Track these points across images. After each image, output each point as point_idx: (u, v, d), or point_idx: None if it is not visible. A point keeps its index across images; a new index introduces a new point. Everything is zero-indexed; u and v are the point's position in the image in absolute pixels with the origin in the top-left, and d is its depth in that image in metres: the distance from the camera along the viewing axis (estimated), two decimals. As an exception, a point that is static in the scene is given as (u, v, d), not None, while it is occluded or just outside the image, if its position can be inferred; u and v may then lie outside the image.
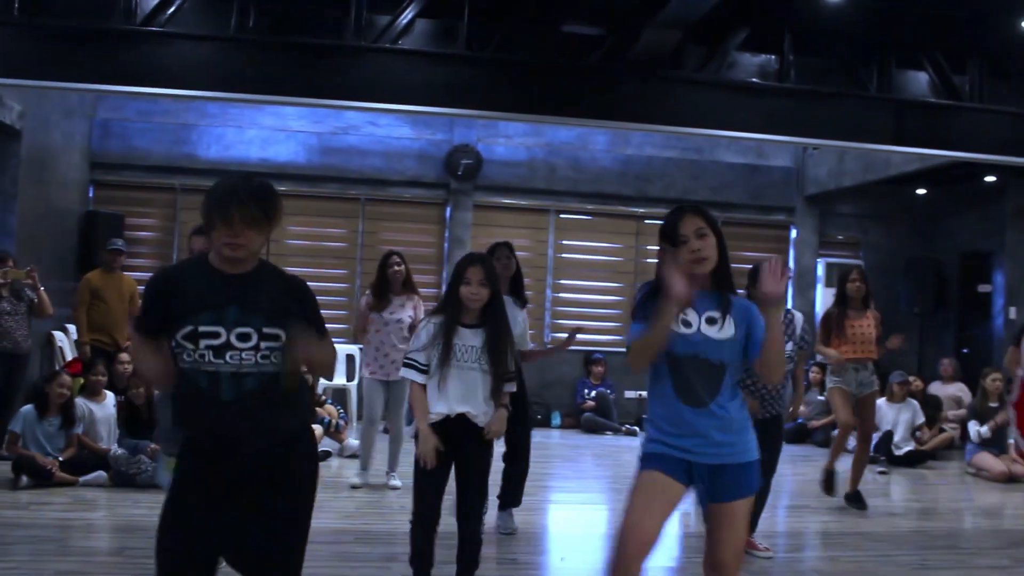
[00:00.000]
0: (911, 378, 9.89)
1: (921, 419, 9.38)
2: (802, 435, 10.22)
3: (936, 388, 10.44)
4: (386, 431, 7.54)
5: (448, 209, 11.48)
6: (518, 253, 5.88)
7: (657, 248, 3.33)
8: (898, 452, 9.07)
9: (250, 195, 2.73)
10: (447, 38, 6.80)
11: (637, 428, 10.66)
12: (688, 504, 3.26)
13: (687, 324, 3.05)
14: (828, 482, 6.84)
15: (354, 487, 6.95)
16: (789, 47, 7.26)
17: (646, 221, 11.60)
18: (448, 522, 4.21)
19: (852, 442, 7.33)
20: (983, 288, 11.46)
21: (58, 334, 9.19)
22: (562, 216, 11.87)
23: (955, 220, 12.03)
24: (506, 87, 6.89)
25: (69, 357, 8.95)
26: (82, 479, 6.61)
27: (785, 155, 12.25)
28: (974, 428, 8.78)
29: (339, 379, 10.60)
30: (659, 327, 2.98)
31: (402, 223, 11.51)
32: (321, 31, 6.63)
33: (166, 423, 4.96)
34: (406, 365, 4.08)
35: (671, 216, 3.16)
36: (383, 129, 11.28)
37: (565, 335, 6.02)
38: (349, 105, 7.49)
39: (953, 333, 11.94)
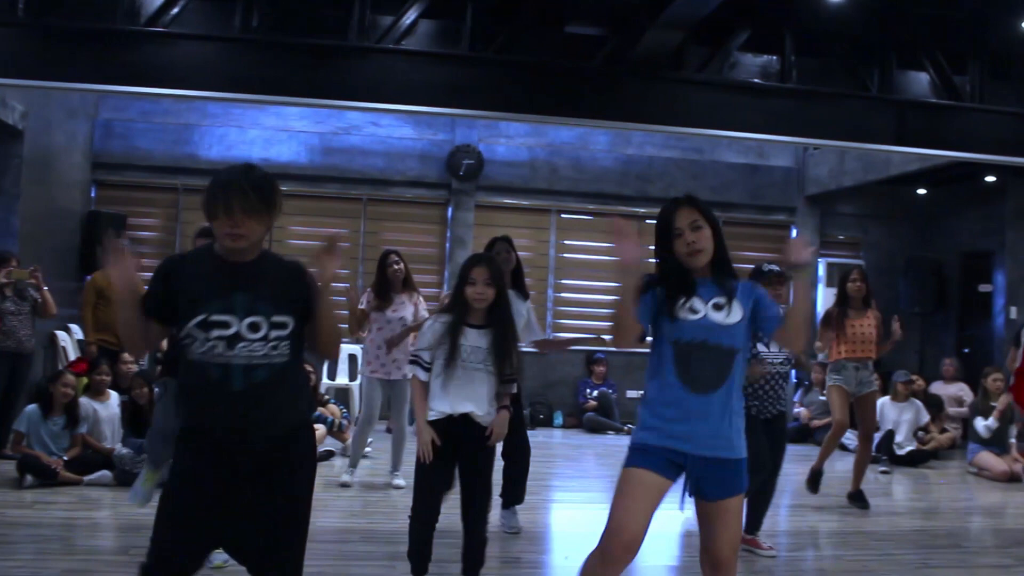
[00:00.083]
0: (913, 376, 9.91)
1: (925, 418, 9.40)
2: (804, 434, 10.24)
3: (938, 388, 10.46)
4: (389, 431, 7.55)
5: (450, 209, 11.50)
6: (520, 253, 5.90)
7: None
8: (900, 452, 9.08)
9: (251, 185, 2.74)
10: (450, 38, 6.81)
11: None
12: (689, 505, 3.23)
13: (694, 311, 3.04)
14: (813, 481, 6.86)
15: (344, 485, 6.95)
16: (790, 47, 7.28)
17: (647, 221, 11.56)
18: (452, 521, 4.23)
19: (853, 442, 7.36)
20: (984, 288, 11.47)
21: (61, 334, 9.20)
22: (563, 216, 11.89)
23: (956, 220, 12.04)
24: (509, 87, 6.91)
25: (72, 357, 8.97)
26: (87, 478, 6.63)
27: (786, 155, 12.27)
28: (980, 423, 8.79)
29: (342, 379, 10.64)
30: (622, 297, 3.02)
31: (404, 223, 11.53)
32: (324, 31, 6.65)
33: (158, 433, 4.89)
34: (412, 362, 4.13)
35: (666, 208, 3.17)
36: (385, 129, 11.30)
37: (569, 335, 6.06)
38: (352, 105, 7.52)
39: (954, 333, 11.96)
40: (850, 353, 6.76)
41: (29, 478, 6.49)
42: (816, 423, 10.35)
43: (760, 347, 5.41)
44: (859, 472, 6.98)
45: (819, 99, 7.37)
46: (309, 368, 8.87)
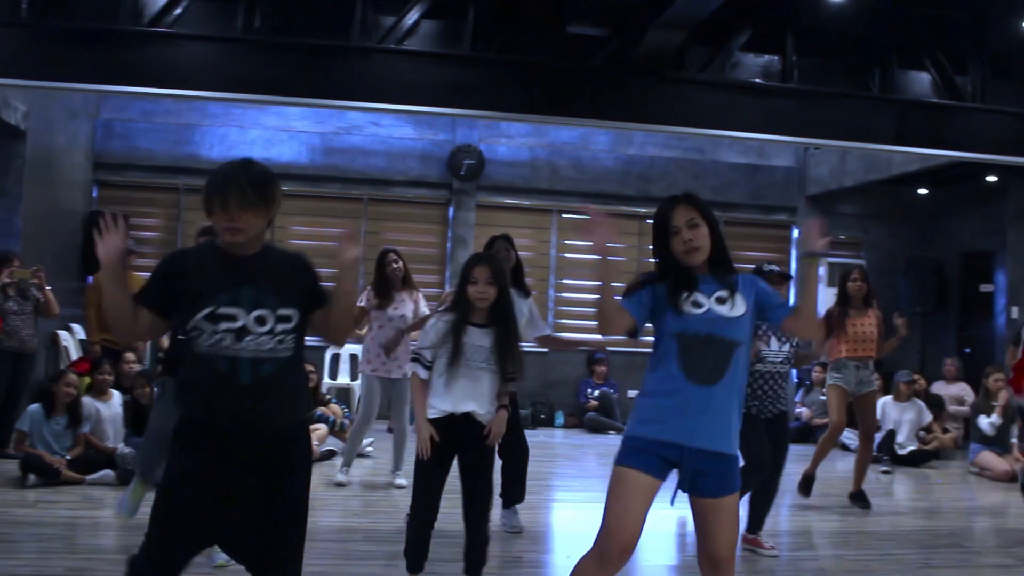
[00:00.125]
0: (915, 376, 9.92)
1: (928, 418, 9.41)
2: (806, 434, 10.25)
3: (939, 388, 10.47)
4: (390, 430, 7.56)
5: (451, 209, 11.51)
6: (521, 253, 5.91)
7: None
8: (901, 452, 9.09)
9: (247, 179, 2.76)
10: (452, 39, 6.82)
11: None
12: (683, 502, 3.22)
13: (698, 305, 3.05)
14: (806, 485, 6.85)
15: (339, 485, 6.95)
16: (792, 47, 7.30)
17: (648, 221, 11.54)
18: (453, 521, 4.24)
19: (854, 442, 7.37)
20: (985, 288, 11.48)
21: (63, 333, 9.21)
22: (564, 216, 11.89)
23: (956, 220, 12.04)
24: (511, 88, 6.92)
25: (74, 356, 8.98)
26: (89, 478, 6.64)
27: (787, 155, 12.28)
28: (984, 421, 8.80)
29: (343, 378, 10.65)
30: (602, 286, 3.07)
31: (405, 223, 11.53)
32: (326, 32, 6.66)
33: (155, 437, 4.87)
34: (413, 359, 4.15)
35: (663, 206, 3.18)
36: (386, 129, 11.31)
37: (574, 336, 6.08)
38: (354, 106, 7.53)
39: (955, 333, 11.96)
40: (851, 352, 6.77)
41: (32, 477, 6.51)
42: (818, 422, 10.36)
43: (760, 346, 5.42)
44: (860, 472, 6.99)
45: (820, 99, 7.38)
46: (311, 368, 8.91)
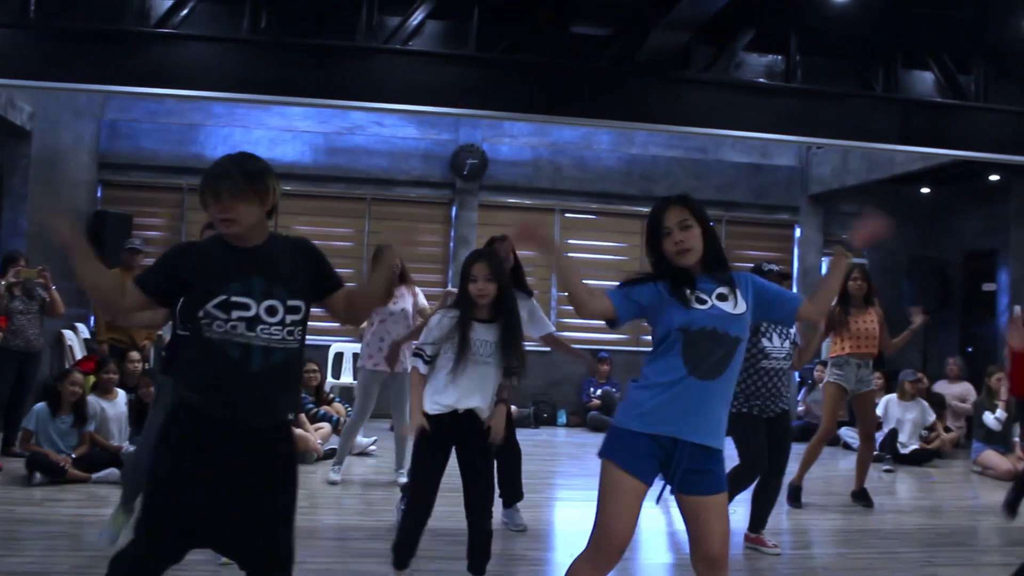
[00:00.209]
0: (919, 375, 9.93)
1: (931, 418, 9.41)
2: (808, 432, 10.23)
3: (942, 387, 10.47)
4: (393, 429, 7.58)
5: (454, 208, 11.53)
6: (523, 252, 5.92)
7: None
8: (904, 451, 9.10)
9: (237, 170, 2.78)
10: (457, 39, 6.84)
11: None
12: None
13: (701, 301, 3.06)
14: (794, 496, 6.82)
15: (332, 483, 6.96)
16: (796, 47, 7.31)
17: (650, 221, 11.61)
18: (454, 520, 4.26)
19: (856, 441, 7.38)
20: (987, 287, 11.49)
21: (68, 333, 9.24)
22: (567, 215, 11.92)
23: (959, 219, 12.05)
24: (516, 88, 6.94)
25: (79, 356, 9.01)
26: (94, 476, 6.66)
27: (789, 154, 12.30)
28: (989, 417, 8.81)
29: (346, 377, 10.67)
30: (562, 275, 3.18)
31: (408, 222, 11.51)
32: (332, 32, 6.68)
33: (142, 461, 4.78)
34: (415, 355, 4.18)
35: (656, 207, 3.18)
36: (389, 129, 11.34)
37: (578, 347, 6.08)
38: (360, 106, 7.55)
39: (957, 332, 11.97)
40: (854, 348, 6.78)
41: (38, 476, 6.53)
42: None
43: (764, 342, 5.42)
44: (862, 471, 7.01)
45: (824, 99, 7.40)
46: (314, 367, 8.94)
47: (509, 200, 11.70)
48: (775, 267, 5.52)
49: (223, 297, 2.76)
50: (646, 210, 3.25)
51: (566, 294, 3.19)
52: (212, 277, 2.78)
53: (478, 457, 4.19)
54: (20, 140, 8.69)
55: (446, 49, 6.86)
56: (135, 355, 8.02)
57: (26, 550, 5.00)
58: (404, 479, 6.94)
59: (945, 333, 11.97)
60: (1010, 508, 6.07)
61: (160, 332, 6.50)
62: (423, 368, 4.13)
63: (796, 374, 11.52)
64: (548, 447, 9.78)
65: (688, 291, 3.07)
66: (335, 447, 8.21)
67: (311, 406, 8.66)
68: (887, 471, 8.64)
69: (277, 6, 6.57)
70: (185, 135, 10.92)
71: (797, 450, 6.74)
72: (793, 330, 5.67)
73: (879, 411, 9.34)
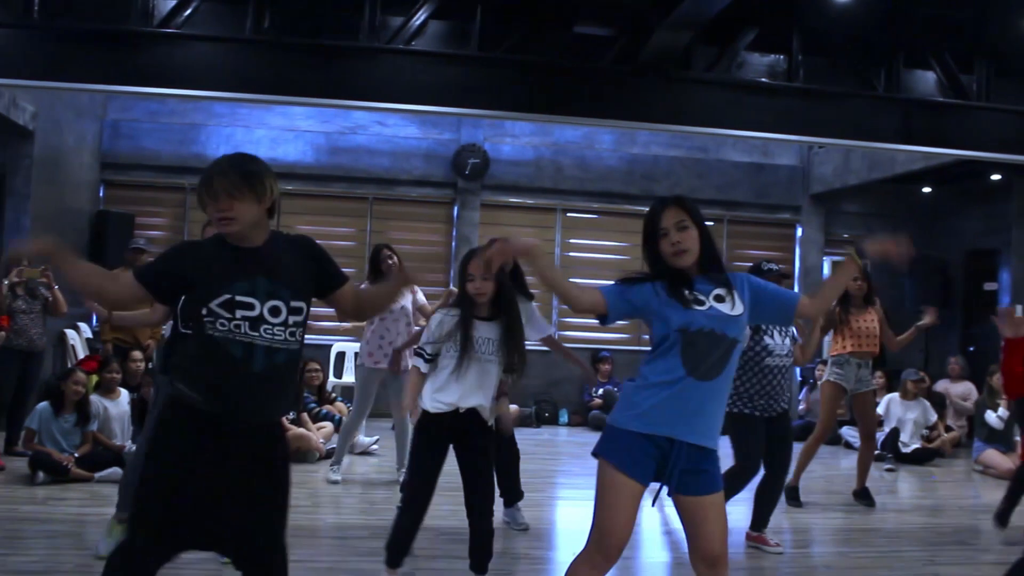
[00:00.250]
0: (922, 375, 9.93)
1: (933, 418, 9.42)
2: (808, 432, 10.21)
3: (944, 386, 10.48)
4: (393, 428, 7.59)
5: (455, 208, 11.54)
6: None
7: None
8: (905, 450, 9.11)
9: (232, 169, 2.79)
10: (460, 39, 6.86)
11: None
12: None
13: (699, 302, 3.06)
14: (793, 496, 6.81)
15: (332, 482, 6.97)
16: (797, 47, 7.32)
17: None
18: (457, 519, 4.28)
19: (858, 440, 7.38)
20: (989, 286, 11.49)
21: (70, 332, 9.26)
22: (569, 215, 11.93)
23: (961, 218, 12.05)
24: (518, 87, 6.95)
25: (81, 355, 9.02)
26: (97, 475, 6.66)
27: (790, 154, 12.30)
28: (992, 415, 8.81)
29: (348, 377, 10.67)
30: (547, 278, 3.21)
31: (410, 222, 11.57)
32: (335, 32, 6.70)
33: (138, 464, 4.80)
34: (416, 355, 4.19)
35: (653, 208, 3.19)
36: (391, 129, 11.35)
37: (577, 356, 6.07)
38: (363, 105, 7.56)
39: (959, 331, 11.97)
40: (856, 347, 6.78)
41: (41, 475, 6.54)
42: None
43: (767, 339, 5.41)
44: (863, 470, 7.02)
45: (826, 98, 7.41)
46: (316, 366, 8.95)
47: (511, 200, 11.71)
48: (775, 266, 5.51)
49: (227, 296, 2.76)
50: (648, 209, 3.26)
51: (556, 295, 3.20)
52: (215, 276, 2.78)
53: (479, 457, 4.20)
54: (23, 140, 8.71)
55: (449, 49, 6.87)
56: (137, 354, 8.03)
57: (29, 549, 5.01)
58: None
59: (947, 332, 11.97)
60: (1001, 519, 6.04)
61: (164, 331, 6.51)
62: (424, 367, 4.14)
63: (798, 374, 11.54)
64: (550, 446, 9.79)
65: (686, 292, 3.07)
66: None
67: (313, 405, 8.67)
68: (889, 470, 8.65)
69: (280, 6, 6.58)
70: (187, 135, 10.94)
71: (797, 448, 6.76)
72: (792, 327, 5.67)
73: (880, 410, 9.36)
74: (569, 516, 6.67)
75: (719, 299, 3.09)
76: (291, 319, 2.84)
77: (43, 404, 6.97)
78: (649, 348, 3.19)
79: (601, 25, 6.98)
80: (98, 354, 8.53)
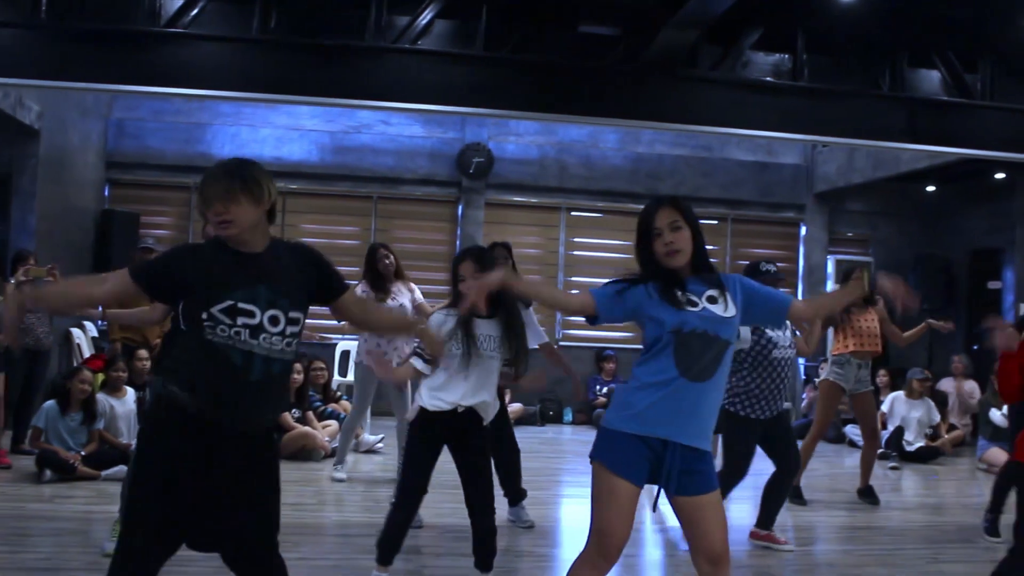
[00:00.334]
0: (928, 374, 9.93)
1: (936, 418, 9.42)
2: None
3: (947, 384, 10.48)
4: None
5: (460, 207, 11.56)
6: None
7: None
8: (909, 448, 9.11)
9: (223, 171, 2.82)
10: (465, 39, 6.88)
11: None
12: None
13: (692, 303, 3.07)
14: (796, 495, 6.81)
15: (337, 480, 6.99)
16: (802, 46, 7.33)
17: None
18: (460, 515, 4.30)
19: (860, 439, 7.39)
20: (993, 285, 11.48)
21: (76, 331, 9.28)
22: (573, 214, 11.94)
23: (965, 217, 12.05)
24: (523, 87, 6.97)
25: (87, 354, 9.05)
26: (104, 473, 6.69)
27: (795, 152, 12.30)
28: (997, 414, 8.82)
29: (353, 375, 10.68)
30: (533, 294, 3.30)
31: (414, 221, 11.59)
32: (341, 32, 6.72)
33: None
34: (415, 355, 4.16)
35: (647, 208, 3.19)
36: (395, 128, 11.36)
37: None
38: (369, 105, 7.59)
39: (963, 330, 11.95)
40: (858, 346, 6.79)
41: (48, 473, 6.57)
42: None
43: (769, 332, 5.39)
44: (866, 469, 7.02)
45: (831, 97, 7.42)
46: (321, 364, 8.97)
47: (515, 199, 11.72)
48: (772, 268, 5.50)
49: (230, 303, 2.77)
50: (642, 209, 3.26)
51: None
52: (216, 281, 2.79)
53: (476, 456, 4.22)
54: (29, 139, 8.74)
55: (454, 48, 6.89)
56: (143, 353, 8.03)
57: (37, 546, 5.04)
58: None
59: (951, 331, 11.96)
60: (991, 530, 6.01)
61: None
62: (424, 368, 4.12)
63: (802, 372, 11.55)
64: (554, 445, 9.81)
65: (679, 293, 3.08)
66: (341, 444, 8.27)
67: (318, 403, 8.69)
68: (893, 468, 8.66)
69: (287, 6, 6.61)
70: (192, 134, 10.96)
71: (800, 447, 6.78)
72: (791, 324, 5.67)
73: (885, 408, 9.38)
74: (573, 514, 6.69)
75: (712, 300, 3.09)
76: (288, 329, 2.85)
77: (49, 403, 6.99)
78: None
79: (606, 24, 6.99)
80: (103, 353, 8.55)
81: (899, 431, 9.10)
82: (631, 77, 7.05)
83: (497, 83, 6.91)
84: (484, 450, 4.24)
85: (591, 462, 3.12)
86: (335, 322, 3.86)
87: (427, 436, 4.15)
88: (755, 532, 5.56)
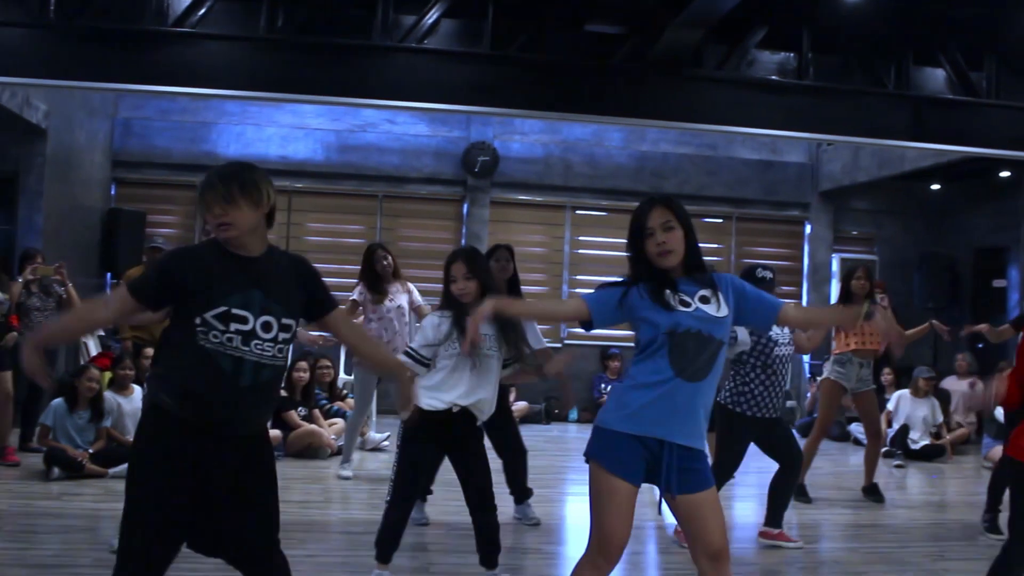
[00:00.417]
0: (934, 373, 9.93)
1: (940, 418, 9.41)
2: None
3: (951, 383, 10.48)
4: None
5: (465, 206, 11.57)
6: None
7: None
8: (914, 446, 9.12)
9: (220, 176, 2.84)
10: (472, 38, 6.89)
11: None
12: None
13: (685, 304, 3.07)
14: (801, 493, 6.82)
15: (344, 478, 7.02)
16: (808, 45, 7.34)
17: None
18: (460, 515, 4.32)
19: (865, 437, 7.39)
20: (998, 283, 11.47)
21: (83, 329, 9.29)
22: (578, 212, 11.94)
23: (969, 216, 12.04)
24: (530, 86, 6.99)
25: (94, 352, 9.07)
26: (111, 471, 6.70)
27: (799, 151, 12.30)
28: (1001, 411, 8.81)
29: (354, 375, 10.69)
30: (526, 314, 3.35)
31: (419, 219, 11.60)
32: (348, 31, 6.74)
33: None
34: (406, 355, 4.16)
35: (641, 207, 3.19)
36: (400, 127, 11.38)
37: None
38: (377, 104, 7.61)
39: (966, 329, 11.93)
40: (860, 345, 6.78)
41: (56, 470, 6.60)
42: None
43: (768, 332, 5.39)
44: (870, 467, 7.03)
45: (836, 96, 7.42)
46: (327, 363, 8.99)
47: (520, 197, 11.72)
48: (768, 274, 5.49)
49: (224, 308, 2.79)
50: (635, 208, 3.26)
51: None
52: (214, 285, 2.80)
53: (473, 457, 4.24)
54: (36, 138, 8.76)
55: (461, 47, 6.91)
56: (150, 351, 8.07)
57: (45, 543, 5.06)
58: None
59: (957, 328, 11.94)
60: (991, 528, 6.00)
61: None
62: (421, 370, 4.12)
63: (807, 369, 11.56)
64: (559, 443, 9.82)
65: (671, 293, 3.08)
66: (346, 442, 8.29)
67: (324, 402, 8.72)
68: (898, 466, 8.66)
69: (293, 5, 6.62)
70: (198, 133, 10.98)
71: (803, 445, 6.79)
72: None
73: (891, 406, 9.39)
74: (579, 511, 6.70)
75: (704, 300, 3.10)
76: (280, 335, 2.87)
77: (57, 401, 7.02)
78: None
79: (612, 23, 7.00)
80: (111, 351, 8.58)
81: (904, 429, 9.11)
82: (636, 76, 7.06)
83: (503, 82, 6.92)
84: (479, 450, 4.26)
85: (587, 461, 3.13)
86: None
87: (421, 435, 4.16)
88: (766, 532, 5.57)
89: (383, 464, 7.79)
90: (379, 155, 11.32)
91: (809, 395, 11.12)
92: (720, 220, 11.98)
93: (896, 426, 9.17)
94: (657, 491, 3.15)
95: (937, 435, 9.42)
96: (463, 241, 11.50)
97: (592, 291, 3.21)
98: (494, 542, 4.30)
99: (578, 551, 3.04)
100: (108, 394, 7.22)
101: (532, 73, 6.98)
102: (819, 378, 10.94)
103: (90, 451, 6.82)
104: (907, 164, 10.47)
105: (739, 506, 6.77)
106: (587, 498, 3.12)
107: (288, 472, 7.09)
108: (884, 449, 8.44)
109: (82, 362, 8.59)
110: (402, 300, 6.99)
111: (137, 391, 7.45)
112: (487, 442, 4.46)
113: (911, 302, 11.58)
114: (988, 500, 6.01)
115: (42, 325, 7.50)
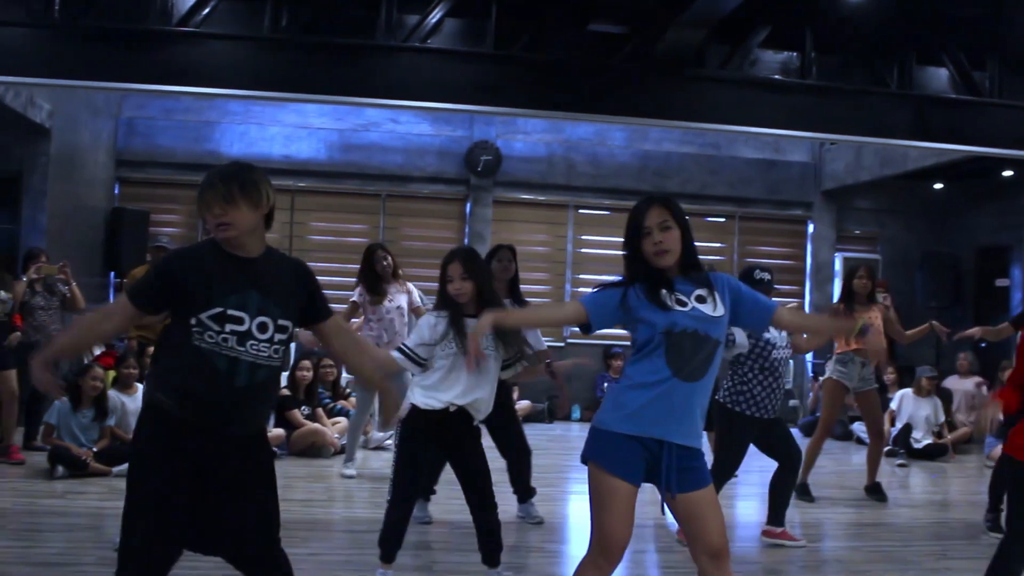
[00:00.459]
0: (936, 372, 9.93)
1: (943, 417, 9.41)
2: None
3: (953, 382, 10.48)
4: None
5: (468, 205, 11.58)
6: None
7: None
8: (917, 445, 9.12)
9: (219, 176, 2.85)
10: (475, 37, 6.91)
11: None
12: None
13: (681, 303, 3.07)
14: (804, 491, 6.82)
15: (347, 477, 7.03)
16: (811, 44, 7.34)
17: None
18: (462, 514, 4.33)
19: (867, 436, 7.40)
20: (1000, 282, 11.48)
21: (86, 329, 9.30)
22: (581, 211, 11.95)
23: (972, 215, 12.04)
24: (533, 85, 7.00)
25: (97, 351, 9.08)
26: (115, 469, 6.70)
27: (802, 150, 12.30)
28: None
29: (360, 373, 10.71)
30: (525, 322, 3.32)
31: (422, 219, 11.62)
32: (352, 31, 6.75)
33: None
34: (400, 351, 4.15)
35: (637, 207, 3.20)
36: (403, 126, 11.39)
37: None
38: (380, 103, 7.62)
39: (970, 327, 11.92)
40: (859, 344, 6.78)
41: (60, 469, 6.62)
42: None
43: (766, 334, 5.38)
44: (873, 466, 7.03)
45: (839, 95, 7.43)
46: (331, 362, 9.00)
47: (523, 196, 11.73)
48: (766, 276, 5.50)
49: (219, 309, 2.80)
50: (632, 207, 3.26)
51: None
52: (210, 287, 2.82)
53: (471, 457, 4.25)
54: (40, 138, 8.79)
55: (464, 47, 6.93)
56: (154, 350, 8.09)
57: (49, 542, 5.08)
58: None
59: (958, 329, 11.93)
60: (994, 526, 6.00)
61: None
62: (415, 369, 4.14)
63: (810, 368, 11.56)
64: (562, 442, 9.83)
65: (667, 293, 3.08)
66: (350, 441, 8.30)
67: (328, 401, 8.73)
68: (901, 465, 8.67)
69: (297, 5, 6.64)
70: (201, 132, 11.00)
71: (805, 444, 6.80)
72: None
73: (894, 405, 9.39)
74: (582, 510, 6.65)
75: (700, 300, 3.10)
76: (276, 336, 2.89)
77: (61, 399, 7.04)
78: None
79: (615, 23, 7.00)
80: (114, 350, 8.59)
81: (907, 428, 9.11)
82: (639, 75, 7.07)
83: (506, 81, 6.93)
84: (477, 449, 4.27)
85: (586, 463, 3.13)
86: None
87: (417, 434, 4.16)
88: (769, 531, 5.57)
89: (386, 463, 7.76)
90: (382, 154, 11.33)
91: (812, 394, 11.13)
92: (723, 219, 11.99)
93: (899, 425, 9.17)
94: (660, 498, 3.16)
95: (939, 434, 9.43)
96: (466, 240, 11.51)
97: (589, 293, 3.22)
98: (496, 541, 4.30)
99: (581, 549, 3.04)
100: (112, 393, 7.24)
101: (535, 72, 6.99)
102: (821, 377, 11.03)
103: (94, 450, 6.84)
104: (910, 163, 10.47)
105: (741, 505, 6.78)
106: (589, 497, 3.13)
107: (291, 471, 7.11)
108: (887, 448, 8.44)
109: (86, 361, 8.60)
110: (402, 301, 7.00)
111: (140, 390, 7.46)
112: (490, 441, 4.47)
113: (914, 301, 11.58)
114: (990, 499, 6.02)
115: (46, 325, 7.55)
